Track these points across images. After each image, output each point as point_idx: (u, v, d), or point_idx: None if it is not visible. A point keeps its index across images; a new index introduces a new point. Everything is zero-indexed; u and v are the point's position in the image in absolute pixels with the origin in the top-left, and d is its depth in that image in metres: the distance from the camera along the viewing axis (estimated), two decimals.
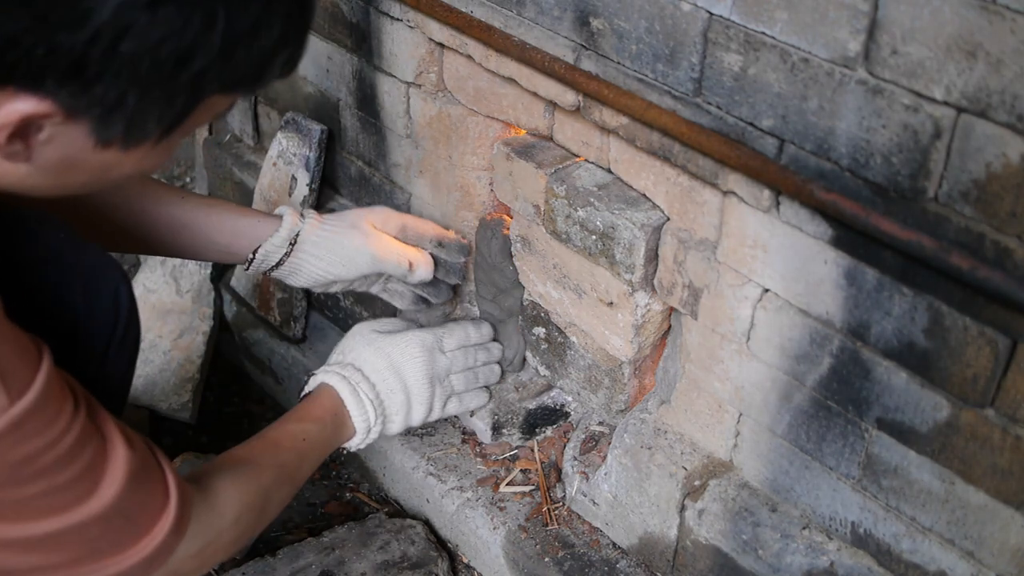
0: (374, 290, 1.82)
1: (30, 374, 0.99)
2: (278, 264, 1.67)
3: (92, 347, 1.29)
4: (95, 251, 1.33)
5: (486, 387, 1.81)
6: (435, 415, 1.70)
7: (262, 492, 1.35)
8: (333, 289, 1.76)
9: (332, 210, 2.13)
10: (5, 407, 0.96)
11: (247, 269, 1.68)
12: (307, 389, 1.60)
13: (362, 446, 1.61)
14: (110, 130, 0.94)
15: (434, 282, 1.81)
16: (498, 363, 1.82)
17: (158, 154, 1.02)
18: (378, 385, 1.60)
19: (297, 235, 1.66)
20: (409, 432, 1.96)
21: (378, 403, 1.59)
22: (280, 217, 1.68)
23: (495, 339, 1.83)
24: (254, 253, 1.65)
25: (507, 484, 1.85)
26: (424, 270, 1.73)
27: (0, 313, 1.00)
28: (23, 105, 0.89)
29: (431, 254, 1.77)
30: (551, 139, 1.69)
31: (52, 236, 1.28)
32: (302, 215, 1.70)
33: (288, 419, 1.51)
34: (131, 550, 1.12)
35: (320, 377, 1.59)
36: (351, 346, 1.64)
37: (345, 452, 1.62)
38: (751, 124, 1.29)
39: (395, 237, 1.75)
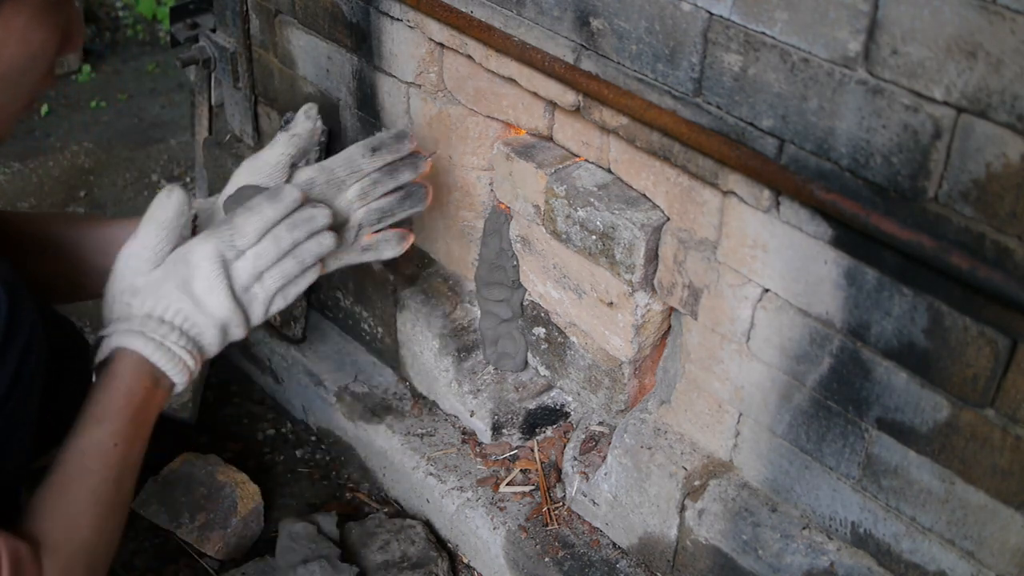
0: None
1: None
2: None
3: None
4: None
5: (316, 264, 1.42)
6: (258, 322, 1.40)
7: (85, 549, 1.19)
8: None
9: None
10: None
11: None
12: (100, 357, 1.31)
13: (184, 387, 1.37)
14: None
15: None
16: (327, 228, 1.41)
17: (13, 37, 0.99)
18: (186, 329, 1.32)
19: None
20: (409, 433, 1.97)
21: (192, 346, 1.33)
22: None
23: (312, 202, 1.42)
24: None
25: (507, 484, 1.85)
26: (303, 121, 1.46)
27: None
28: None
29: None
30: (551, 139, 1.69)
31: None
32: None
33: (88, 423, 1.25)
34: None
35: (115, 341, 1.29)
36: (135, 287, 1.32)
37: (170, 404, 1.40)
38: (751, 124, 1.29)
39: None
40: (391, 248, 1.55)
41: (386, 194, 1.51)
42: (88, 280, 1.47)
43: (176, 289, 1.30)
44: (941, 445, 1.27)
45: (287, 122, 2.13)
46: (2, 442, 1.17)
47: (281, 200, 1.36)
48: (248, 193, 1.41)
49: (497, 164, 1.74)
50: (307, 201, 1.39)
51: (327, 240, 1.40)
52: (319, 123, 1.43)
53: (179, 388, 1.34)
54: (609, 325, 1.67)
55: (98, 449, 1.23)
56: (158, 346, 1.28)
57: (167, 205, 1.31)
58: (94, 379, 1.31)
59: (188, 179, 3.09)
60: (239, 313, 1.35)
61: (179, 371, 1.31)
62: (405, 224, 1.57)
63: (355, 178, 1.48)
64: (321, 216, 1.39)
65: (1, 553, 1.07)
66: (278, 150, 1.43)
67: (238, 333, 1.37)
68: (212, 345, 1.35)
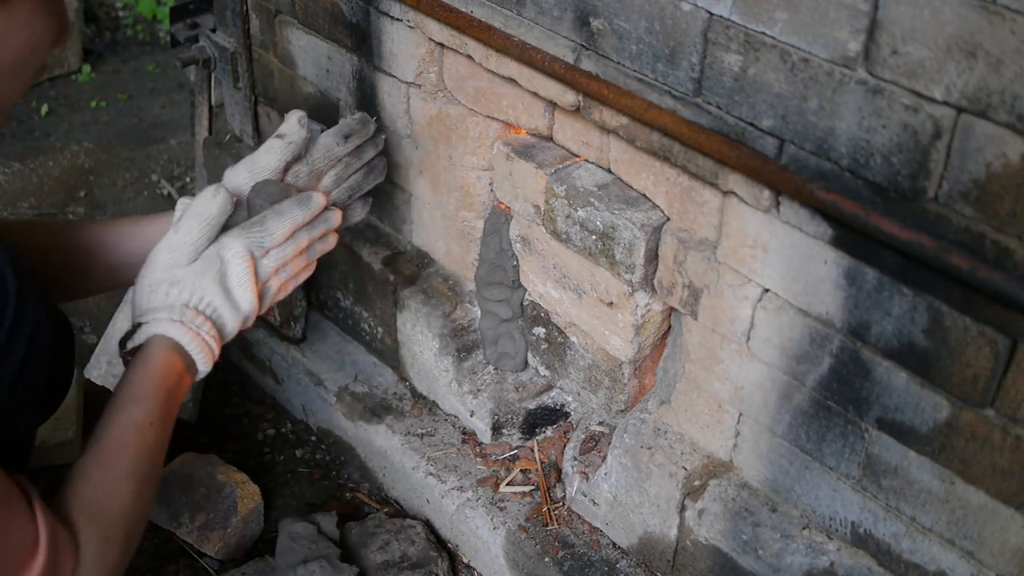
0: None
1: None
2: None
3: None
4: None
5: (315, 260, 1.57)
6: (262, 312, 1.52)
7: (124, 517, 1.27)
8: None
9: None
10: None
11: None
12: (137, 341, 1.40)
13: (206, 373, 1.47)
14: None
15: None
16: (336, 231, 1.57)
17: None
18: (215, 319, 1.43)
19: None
20: (409, 433, 1.97)
21: (218, 335, 1.44)
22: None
23: (329, 206, 1.55)
24: None
25: (507, 484, 1.85)
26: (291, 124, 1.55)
27: None
28: None
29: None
30: (551, 139, 1.69)
31: None
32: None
33: (125, 401, 1.33)
34: None
35: (155, 328, 1.39)
36: (175, 278, 1.41)
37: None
38: (751, 124, 1.29)
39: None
40: (357, 214, 1.72)
41: (353, 172, 1.66)
42: (87, 281, 1.56)
43: (212, 282, 1.42)
44: (941, 445, 1.27)
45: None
46: (14, 420, 1.23)
47: (309, 207, 1.50)
48: (271, 190, 1.51)
49: (497, 164, 1.74)
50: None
51: (332, 240, 1.57)
52: (314, 126, 1.56)
53: (202, 374, 1.44)
54: (609, 325, 1.67)
55: (135, 426, 1.32)
56: (195, 335, 1.39)
57: (212, 204, 1.41)
58: (128, 361, 1.41)
59: (188, 179, 3.09)
60: (255, 307, 1.47)
61: (207, 359, 1.42)
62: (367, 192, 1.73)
63: (330, 164, 1.62)
64: (335, 219, 1.55)
65: (40, 532, 1.13)
66: (275, 156, 1.54)
67: (250, 322, 1.49)
68: (231, 334, 1.48)
